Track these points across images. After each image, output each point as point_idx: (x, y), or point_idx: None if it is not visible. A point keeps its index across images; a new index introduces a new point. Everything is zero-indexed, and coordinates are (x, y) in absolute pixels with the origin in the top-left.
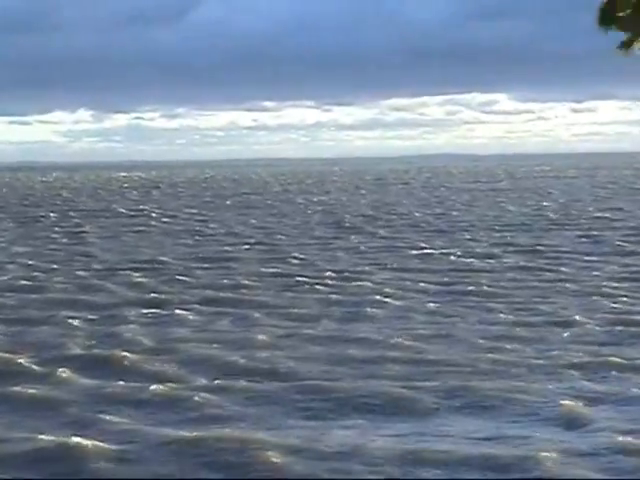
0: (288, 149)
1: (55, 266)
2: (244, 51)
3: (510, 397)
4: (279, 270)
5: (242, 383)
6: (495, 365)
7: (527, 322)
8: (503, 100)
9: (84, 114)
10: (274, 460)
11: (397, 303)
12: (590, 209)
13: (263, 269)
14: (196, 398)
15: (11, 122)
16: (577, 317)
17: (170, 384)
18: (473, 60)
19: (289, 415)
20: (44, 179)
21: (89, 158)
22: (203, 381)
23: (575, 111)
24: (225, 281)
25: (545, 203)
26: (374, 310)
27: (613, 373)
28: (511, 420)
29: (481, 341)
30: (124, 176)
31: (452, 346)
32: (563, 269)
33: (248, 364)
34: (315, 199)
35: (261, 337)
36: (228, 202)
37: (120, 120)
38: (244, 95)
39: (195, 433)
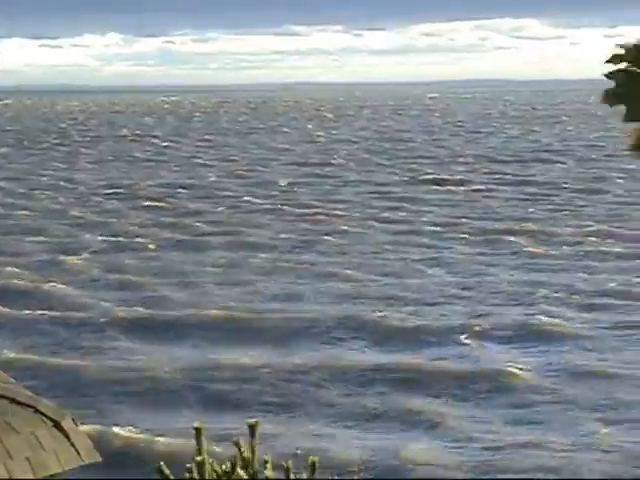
0: (319, 73)
1: (35, 191)
2: None
3: None
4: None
5: None
6: None
7: None
8: (535, 25)
9: (115, 37)
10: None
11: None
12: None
13: (247, 197)
14: None
15: (42, 45)
16: None
17: None
18: None
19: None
20: (70, 103)
21: (122, 82)
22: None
23: (608, 36)
24: (193, 207)
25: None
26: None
27: None
28: None
29: None
30: (150, 100)
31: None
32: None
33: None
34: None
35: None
36: (232, 128)
37: (151, 44)
38: (274, 19)
39: None
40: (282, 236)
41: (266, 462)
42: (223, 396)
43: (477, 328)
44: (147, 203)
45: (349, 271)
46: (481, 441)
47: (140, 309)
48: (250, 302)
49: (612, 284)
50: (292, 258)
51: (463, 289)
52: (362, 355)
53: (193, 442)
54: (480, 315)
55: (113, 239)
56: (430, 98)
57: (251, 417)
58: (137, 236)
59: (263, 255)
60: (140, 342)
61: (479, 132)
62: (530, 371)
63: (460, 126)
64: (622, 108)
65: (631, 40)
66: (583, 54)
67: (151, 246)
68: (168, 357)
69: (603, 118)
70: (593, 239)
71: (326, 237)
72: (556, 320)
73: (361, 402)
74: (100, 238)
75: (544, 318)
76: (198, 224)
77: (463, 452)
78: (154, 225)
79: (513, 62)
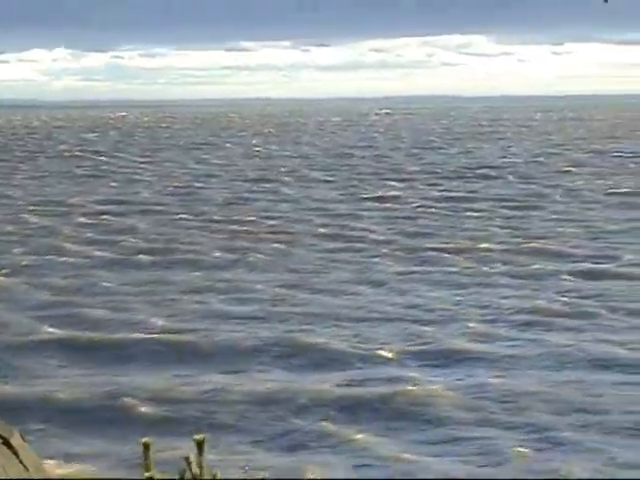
0: (268, 89)
1: None
2: None
3: None
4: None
5: None
6: None
7: None
8: (482, 42)
9: (63, 52)
10: None
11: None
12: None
13: (182, 214)
14: None
15: None
16: None
17: None
18: (448, 1)
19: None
20: (14, 117)
21: (70, 96)
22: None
23: (555, 53)
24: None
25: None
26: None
27: None
28: None
29: None
30: (93, 116)
31: None
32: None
33: None
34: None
35: None
36: (176, 144)
37: (99, 59)
38: (222, 35)
39: None
40: (216, 254)
41: (215, 476)
42: (148, 418)
43: (401, 347)
44: (81, 220)
45: (278, 289)
46: (394, 461)
47: (67, 329)
48: (180, 321)
49: (541, 302)
50: (224, 276)
51: (391, 307)
52: (285, 375)
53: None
54: (406, 334)
55: (44, 257)
56: (377, 114)
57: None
58: (69, 253)
59: (196, 273)
60: (67, 362)
61: (423, 148)
62: (453, 391)
63: (404, 141)
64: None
65: None
66: (530, 71)
67: (83, 263)
68: (90, 379)
69: (547, 134)
70: (526, 257)
71: (259, 255)
72: (482, 339)
73: (282, 424)
74: (30, 256)
75: (471, 337)
76: (132, 240)
77: (375, 474)
78: (87, 242)
79: (460, 78)
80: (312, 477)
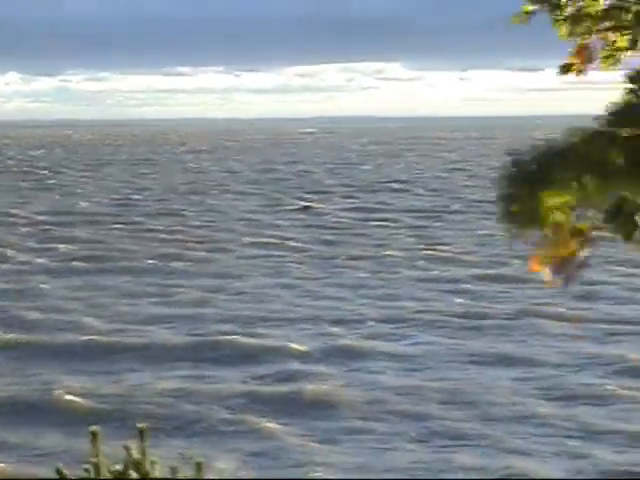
0: (204, 110)
1: None
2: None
3: None
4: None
5: None
6: None
7: None
8: (396, 68)
9: (14, 76)
10: None
11: None
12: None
13: (116, 224)
14: None
15: None
16: None
17: None
18: (367, 30)
19: None
20: None
21: (21, 117)
22: None
23: (462, 79)
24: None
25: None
26: None
27: None
28: None
29: None
30: (40, 134)
31: None
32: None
33: None
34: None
35: None
36: (117, 160)
37: (48, 83)
38: (159, 61)
39: None
40: (147, 260)
41: (154, 463)
42: (79, 412)
43: (311, 345)
44: (24, 229)
45: (202, 293)
46: (297, 447)
47: (6, 330)
48: (111, 322)
49: (440, 304)
50: (154, 281)
51: (303, 308)
52: (203, 370)
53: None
54: (314, 334)
55: None
56: (301, 133)
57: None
58: (11, 260)
59: (128, 278)
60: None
61: (341, 164)
62: (355, 386)
63: (324, 158)
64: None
65: None
66: (438, 94)
67: (23, 269)
68: (25, 378)
69: (451, 152)
70: (428, 262)
71: (187, 261)
72: (385, 338)
73: (199, 414)
74: None
75: (375, 336)
76: (70, 248)
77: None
78: (28, 250)
79: (377, 100)
80: (311, 477)
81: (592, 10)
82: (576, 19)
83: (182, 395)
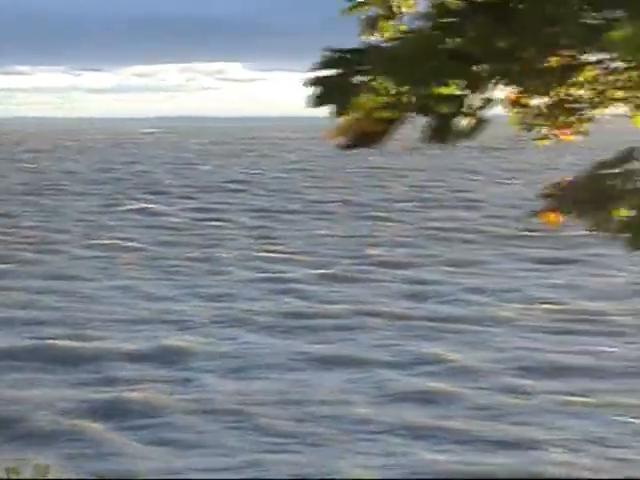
0: (46, 109)
1: None
2: None
3: None
4: None
5: None
6: None
7: None
8: (237, 69)
9: None
10: None
11: None
12: None
13: None
14: None
15: None
16: None
17: None
18: (210, 31)
19: None
20: None
21: None
22: None
23: (302, 80)
24: None
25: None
26: None
27: None
28: None
29: None
30: None
31: None
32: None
33: None
34: None
35: None
36: None
37: None
38: None
39: None
40: None
41: None
42: None
43: (131, 347)
44: None
45: (31, 295)
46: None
47: None
48: None
49: (272, 304)
50: None
51: (131, 309)
52: (28, 375)
53: None
54: (143, 336)
55: None
56: (142, 133)
57: None
58: None
59: None
60: None
61: (181, 164)
62: (177, 387)
63: (164, 159)
64: (330, 108)
65: None
66: (278, 94)
67: None
68: None
69: (289, 152)
70: (265, 262)
71: (16, 263)
72: (207, 341)
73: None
74: None
75: (205, 338)
76: None
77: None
78: None
79: (218, 101)
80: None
81: None
82: None
83: (6, 400)
